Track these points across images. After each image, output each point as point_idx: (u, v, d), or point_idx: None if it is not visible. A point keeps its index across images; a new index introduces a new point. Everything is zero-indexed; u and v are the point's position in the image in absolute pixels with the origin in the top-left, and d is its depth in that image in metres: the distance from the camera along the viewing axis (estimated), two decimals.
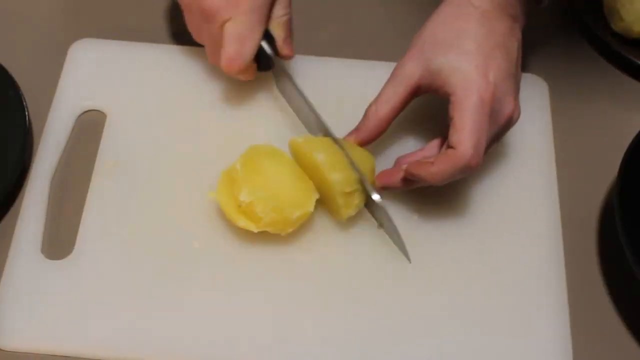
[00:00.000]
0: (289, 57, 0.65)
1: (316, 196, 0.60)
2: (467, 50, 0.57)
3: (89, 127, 0.67)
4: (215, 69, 0.68)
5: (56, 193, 0.63)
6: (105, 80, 0.69)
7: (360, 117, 0.62)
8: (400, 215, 0.62)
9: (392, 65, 0.61)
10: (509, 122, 0.59)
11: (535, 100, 0.69)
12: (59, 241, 0.61)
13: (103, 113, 0.67)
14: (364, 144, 0.62)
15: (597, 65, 0.73)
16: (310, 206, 0.59)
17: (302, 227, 0.61)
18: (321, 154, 0.59)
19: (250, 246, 0.61)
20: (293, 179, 0.60)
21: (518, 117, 0.60)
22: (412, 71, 0.59)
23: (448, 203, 0.63)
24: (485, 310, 0.59)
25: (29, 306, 0.58)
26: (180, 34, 0.72)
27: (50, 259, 0.60)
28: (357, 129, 0.62)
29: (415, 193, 0.62)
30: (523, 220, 0.63)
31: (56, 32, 0.72)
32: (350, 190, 0.59)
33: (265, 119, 0.67)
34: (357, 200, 0.60)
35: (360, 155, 0.61)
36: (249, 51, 0.62)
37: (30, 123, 0.66)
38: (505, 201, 0.64)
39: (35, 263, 0.60)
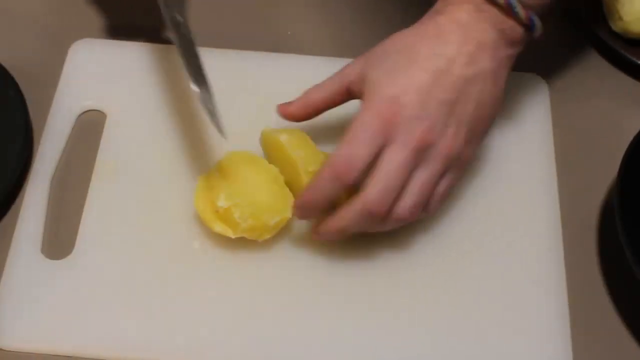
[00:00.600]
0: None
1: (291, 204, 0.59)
2: (398, 66, 0.54)
3: (89, 127, 0.67)
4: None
5: (56, 193, 0.63)
6: (106, 80, 0.69)
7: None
8: None
9: None
10: (446, 158, 0.54)
11: (535, 100, 0.69)
12: (59, 241, 0.61)
13: (103, 113, 0.67)
14: (287, 116, 0.60)
15: (597, 65, 0.73)
16: (288, 212, 0.59)
17: (280, 233, 0.60)
18: (284, 135, 0.59)
19: (250, 248, 0.60)
20: (270, 184, 0.60)
21: (456, 151, 0.55)
22: (349, 72, 0.58)
23: (447, 203, 0.63)
24: (485, 311, 0.59)
25: (29, 306, 0.58)
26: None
27: (50, 259, 0.60)
28: (288, 102, 0.61)
29: None
30: (523, 220, 0.63)
31: (56, 32, 0.72)
32: (315, 169, 0.58)
33: (266, 119, 0.67)
34: None
35: None
36: None
37: (30, 123, 0.66)
38: (505, 201, 0.64)
39: (35, 263, 0.60)
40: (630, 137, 0.62)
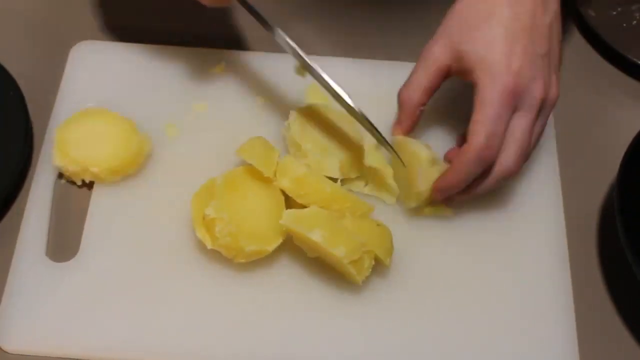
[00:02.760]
0: None
1: (279, 241, 0.58)
2: (493, 36, 0.57)
3: None
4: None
5: (60, 195, 0.64)
6: (107, 82, 0.69)
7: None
8: (402, 216, 0.63)
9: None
10: (544, 104, 0.58)
11: None
12: (64, 244, 0.61)
13: None
14: (408, 132, 0.62)
15: (597, 65, 0.73)
16: (271, 246, 0.58)
17: (284, 247, 0.59)
18: (316, 232, 0.56)
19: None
20: (268, 213, 0.59)
21: (555, 97, 0.59)
22: (439, 54, 0.59)
23: (449, 204, 0.63)
24: (491, 311, 0.60)
25: (34, 309, 0.58)
26: (181, 35, 0.72)
27: (55, 261, 0.60)
28: (398, 121, 0.62)
29: None
30: (527, 220, 0.64)
31: (57, 33, 0.72)
32: (358, 257, 0.57)
33: (266, 119, 0.67)
34: (367, 262, 0.58)
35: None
36: None
37: (30, 123, 0.66)
38: (509, 202, 0.64)
39: (40, 265, 0.60)
40: (630, 137, 0.62)
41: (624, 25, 0.74)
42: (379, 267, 0.59)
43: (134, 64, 0.69)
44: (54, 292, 0.59)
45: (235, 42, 0.70)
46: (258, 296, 0.59)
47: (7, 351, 0.57)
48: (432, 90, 0.61)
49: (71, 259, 0.60)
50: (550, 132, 0.68)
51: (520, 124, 0.57)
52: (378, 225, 0.59)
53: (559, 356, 0.58)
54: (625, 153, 0.61)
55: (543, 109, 0.59)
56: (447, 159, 0.63)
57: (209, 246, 0.58)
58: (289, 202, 0.60)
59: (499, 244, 0.62)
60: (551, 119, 0.68)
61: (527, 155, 0.59)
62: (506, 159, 0.58)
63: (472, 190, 0.60)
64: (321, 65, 0.60)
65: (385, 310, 0.59)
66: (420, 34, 0.62)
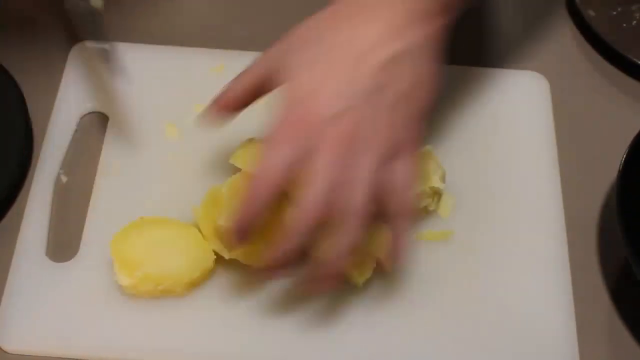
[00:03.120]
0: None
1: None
2: (314, 54, 0.49)
3: (92, 129, 0.67)
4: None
5: (60, 195, 0.64)
6: (108, 83, 0.68)
7: None
8: None
9: None
10: (386, 148, 0.48)
11: (536, 99, 0.70)
12: (64, 244, 0.61)
13: (105, 115, 0.67)
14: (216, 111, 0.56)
15: (597, 65, 0.73)
16: None
17: None
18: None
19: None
20: (278, 216, 0.56)
21: (414, 143, 0.50)
22: (265, 60, 0.54)
23: (449, 205, 0.63)
24: (490, 311, 0.60)
25: (34, 309, 0.58)
26: (181, 35, 0.72)
27: (55, 262, 0.60)
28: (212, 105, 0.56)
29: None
30: (527, 220, 0.64)
31: (58, 34, 0.72)
32: (360, 260, 0.57)
33: (266, 119, 0.67)
34: (369, 265, 0.58)
35: None
36: None
37: (30, 124, 0.66)
38: (508, 201, 0.64)
39: (40, 265, 0.60)
40: (630, 137, 0.62)
41: (624, 25, 0.74)
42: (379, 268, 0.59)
43: (133, 64, 0.69)
44: (54, 292, 0.59)
45: (235, 42, 0.70)
46: (259, 296, 0.59)
47: (7, 351, 0.57)
48: (247, 92, 0.55)
49: (71, 259, 0.60)
50: (549, 131, 0.68)
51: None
52: (380, 228, 0.59)
53: (558, 356, 0.58)
54: (625, 153, 0.61)
55: (375, 151, 0.49)
56: None
57: (227, 256, 0.57)
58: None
59: (498, 244, 0.62)
60: (550, 118, 0.69)
61: (373, 197, 0.49)
62: (352, 202, 0.49)
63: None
64: None
65: (386, 311, 0.59)
66: None
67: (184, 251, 0.58)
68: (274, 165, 0.48)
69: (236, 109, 0.56)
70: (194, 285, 0.58)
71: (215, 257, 0.58)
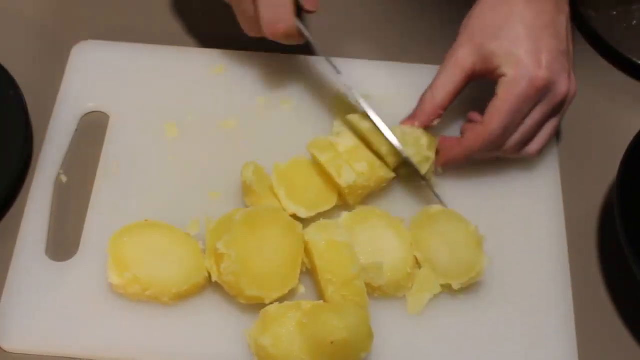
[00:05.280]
0: (313, 11, 0.63)
1: (285, 291, 0.57)
2: (518, 34, 0.58)
3: (92, 129, 0.67)
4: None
5: (60, 195, 0.64)
6: (108, 82, 0.69)
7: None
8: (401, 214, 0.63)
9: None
10: (564, 100, 0.60)
11: None
12: (64, 243, 0.62)
13: (106, 115, 0.67)
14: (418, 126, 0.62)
15: (597, 65, 0.73)
16: (272, 296, 0.56)
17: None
18: (324, 155, 0.60)
19: None
20: (282, 260, 0.57)
21: (575, 93, 0.61)
22: (465, 57, 0.60)
23: (450, 205, 0.63)
24: (490, 311, 0.60)
25: (34, 308, 0.58)
26: (182, 35, 0.72)
27: (55, 261, 0.60)
28: (413, 115, 0.62)
29: (415, 196, 0.63)
30: (527, 220, 0.64)
31: (58, 34, 0.72)
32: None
33: (268, 120, 0.68)
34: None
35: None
36: (287, 11, 0.60)
37: (30, 123, 0.66)
38: (509, 201, 0.64)
39: (40, 264, 0.60)
40: (630, 137, 0.62)
41: (624, 25, 0.74)
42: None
43: (134, 64, 0.70)
44: (54, 291, 0.59)
45: (235, 42, 0.70)
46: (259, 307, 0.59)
47: (7, 350, 0.57)
48: (455, 94, 0.61)
49: (71, 258, 0.60)
50: None
51: (534, 116, 0.59)
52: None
53: (558, 356, 0.58)
54: (625, 153, 0.61)
55: (559, 106, 0.60)
56: (462, 131, 0.62)
57: (214, 278, 0.57)
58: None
59: (498, 244, 0.62)
60: None
61: (527, 142, 0.61)
62: (510, 143, 0.60)
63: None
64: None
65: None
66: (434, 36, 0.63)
67: (178, 261, 0.58)
68: (515, 126, 0.59)
69: (445, 106, 0.62)
70: (182, 297, 0.58)
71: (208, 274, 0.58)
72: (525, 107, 0.59)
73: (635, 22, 0.74)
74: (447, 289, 0.59)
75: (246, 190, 0.60)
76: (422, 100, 0.62)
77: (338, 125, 0.64)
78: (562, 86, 0.59)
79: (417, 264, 0.60)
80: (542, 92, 0.58)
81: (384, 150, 0.60)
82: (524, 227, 0.63)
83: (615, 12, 0.74)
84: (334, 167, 0.60)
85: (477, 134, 0.59)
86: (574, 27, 0.75)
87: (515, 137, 0.60)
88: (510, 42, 0.58)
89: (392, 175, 0.62)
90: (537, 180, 0.65)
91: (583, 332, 0.59)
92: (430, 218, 0.60)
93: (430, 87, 0.61)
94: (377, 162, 0.61)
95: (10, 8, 0.74)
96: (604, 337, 0.60)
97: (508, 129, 0.59)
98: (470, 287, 0.60)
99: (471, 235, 0.59)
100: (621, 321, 0.61)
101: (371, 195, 0.62)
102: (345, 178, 0.59)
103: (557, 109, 0.61)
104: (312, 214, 0.60)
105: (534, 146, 0.62)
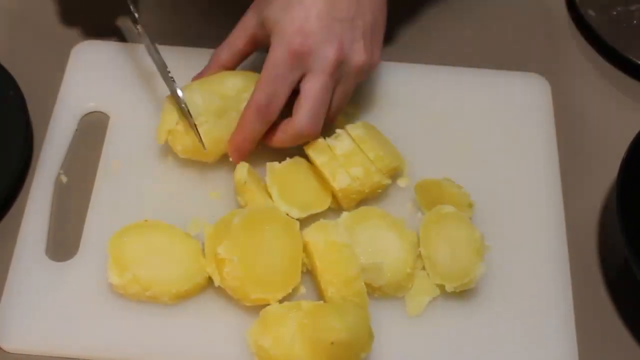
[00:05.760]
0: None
1: (288, 290, 0.57)
2: (290, 1, 0.57)
3: (92, 129, 0.67)
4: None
5: (60, 195, 0.64)
6: (108, 82, 0.69)
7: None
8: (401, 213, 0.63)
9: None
10: (344, 68, 0.59)
11: (537, 100, 0.70)
12: (64, 243, 0.62)
13: (106, 115, 0.67)
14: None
15: (597, 65, 0.73)
16: (277, 297, 0.56)
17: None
18: (320, 157, 0.60)
19: None
20: (284, 259, 0.57)
21: (363, 62, 0.59)
22: (248, 21, 0.61)
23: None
24: (490, 311, 0.60)
25: (34, 308, 0.58)
26: (182, 35, 0.72)
27: (55, 261, 0.60)
28: (201, 73, 0.64)
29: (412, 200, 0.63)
30: (527, 220, 0.64)
31: (57, 34, 0.72)
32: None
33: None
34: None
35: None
36: None
37: (30, 123, 0.66)
38: (509, 201, 0.64)
39: (40, 265, 0.60)
40: (630, 137, 0.62)
41: (624, 25, 0.74)
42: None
43: (134, 64, 0.70)
44: (54, 291, 0.59)
45: None
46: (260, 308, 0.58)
47: (7, 350, 0.57)
48: (241, 56, 0.63)
49: (71, 258, 0.60)
50: (550, 131, 0.68)
51: (312, 86, 0.58)
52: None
53: (558, 356, 0.58)
54: (626, 153, 0.61)
55: (346, 74, 0.59)
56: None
57: (217, 283, 0.57)
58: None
59: (498, 244, 0.62)
60: (551, 119, 0.69)
61: (321, 115, 0.59)
62: (299, 118, 0.59)
63: (270, 143, 0.61)
64: None
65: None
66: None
67: (179, 262, 0.58)
68: (278, 92, 0.58)
69: (230, 66, 0.64)
70: (182, 297, 0.58)
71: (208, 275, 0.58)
72: (286, 73, 0.57)
73: (635, 22, 0.74)
74: (443, 289, 0.59)
75: (240, 189, 0.60)
76: (210, 59, 0.64)
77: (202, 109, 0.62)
78: (329, 53, 0.57)
79: (419, 262, 0.60)
80: (300, 58, 0.56)
81: (371, 155, 0.60)
82: (524, 227, 0.63)
83: (615, 12, 0.74)
84: (329, 170, 0.60)
85: (244, 110, 0.59)
86: (573, 27, 0.75)
87: (304, 110, 0.58)
88: (281, 9, 0.57)
89: (388, 181, 0.62)
90: (537, 180, 0.66)
91: (583, 332, 0.59)
92: (440, 217, 0.60)
93: (219, 46, 0.63)
94: (373, 168, 0.61)
95: (10, 8, 0.74)
96: (604, 337, 0.60)
97: (272, 99, 0.57)
98: (468, 289, 0.59)
99: (473, 242, 0.58)
100: (621, 321, 0.61)
101: (365, 200, 0.62)
102: (339, 181, 0.60)
103: (341, 78, 0.59)
104: (305, 214, 0.60)
105: (304, 116, 0.59)
